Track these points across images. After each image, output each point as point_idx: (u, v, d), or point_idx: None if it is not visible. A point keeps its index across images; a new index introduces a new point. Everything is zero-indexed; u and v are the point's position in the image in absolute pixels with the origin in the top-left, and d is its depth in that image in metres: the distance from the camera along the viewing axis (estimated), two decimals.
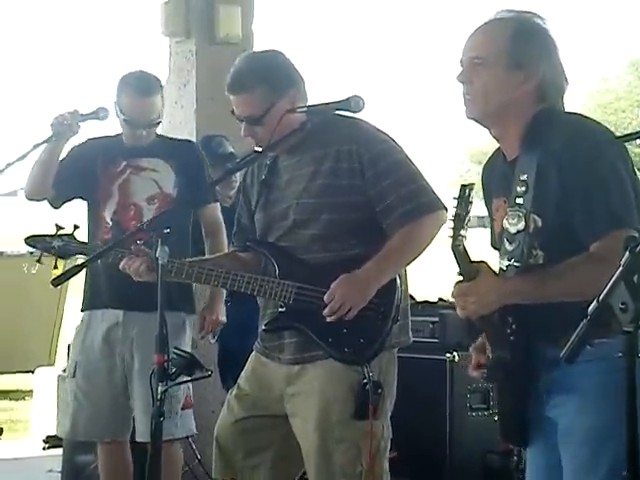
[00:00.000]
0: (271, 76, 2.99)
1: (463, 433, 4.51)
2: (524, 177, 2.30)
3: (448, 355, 4.53)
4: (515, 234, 2.30)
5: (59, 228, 3.42)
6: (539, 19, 2.41)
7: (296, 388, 3.01)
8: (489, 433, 3.92)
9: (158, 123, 3.84)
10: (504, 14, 2.41)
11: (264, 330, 3.06)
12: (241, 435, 3.07)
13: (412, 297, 5.22)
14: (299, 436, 3.01)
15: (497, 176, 2.48)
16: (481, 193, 2.58)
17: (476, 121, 2.41)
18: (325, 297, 2.93)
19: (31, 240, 3.58)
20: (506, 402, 2.40)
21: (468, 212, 2.25)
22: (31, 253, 8.78)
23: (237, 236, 3.22)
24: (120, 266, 3.05)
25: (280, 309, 3.01)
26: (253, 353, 3.15)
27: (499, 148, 2.48)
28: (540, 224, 2.29)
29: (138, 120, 3.75)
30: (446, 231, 2.28)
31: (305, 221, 2.99)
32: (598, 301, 1.76)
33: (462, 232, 2.23)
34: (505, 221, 2.33)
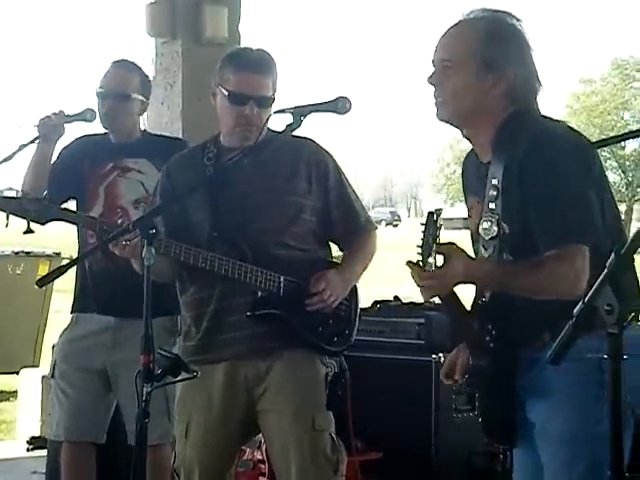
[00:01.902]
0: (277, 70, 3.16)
1: (448, 434, 4.51)
2: (495, 182, 2.30)
3: (434, 356, 4.53)
4: (489, 240, 2.31)
5: (17, 192, 3.34)
6: (513, 19, 2.37)
7: (266, 385, 3.07)
8: (474, 434, 3.92)
9: None
10: (476, 14, 2.37)
11: (248, 316, 3.05)
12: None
13: (398, 299, 5.23)
14: (274, 431, 3.07)
15: (473, 174, 2.47)
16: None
17: (447, 122, 2.40)
18: (313, 287, 3.07)
19: None
20: (490, 405, 2.41)
21: (435, 239, 2.20)
22: (16, 253, 8.77)
23: (174, 237, 3.07)
24: (117, 252, 3.02)
25: (260, 295, 3.05)
26: (180, 386, 3.11)
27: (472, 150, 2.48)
28: (507, 230, 2.29)
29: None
30: (415, 258, 2.24)
31: (286, 218, 3.09)
32: (584, 302, 1.77)
33: (429, 260, 2.19)
34: (480, 227, 2.33)
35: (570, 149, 2.27)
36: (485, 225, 2.31)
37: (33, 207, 3.26)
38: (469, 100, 2.33)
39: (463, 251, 2.26)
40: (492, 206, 2.29)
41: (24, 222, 3.28)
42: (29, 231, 3.28)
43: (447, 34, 2.37)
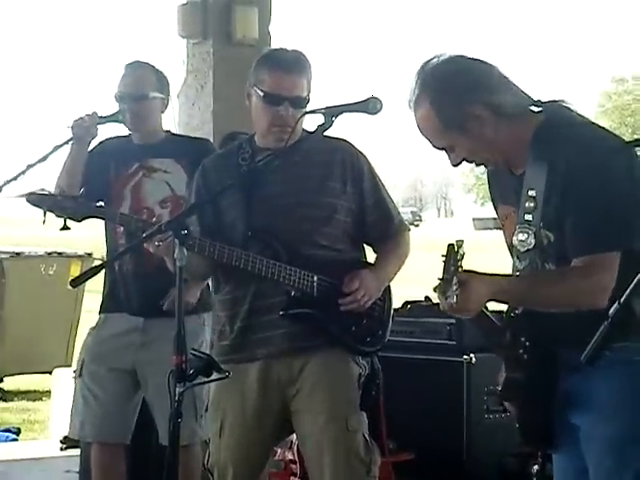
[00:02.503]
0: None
1: (480, 435, 4.50)
2: (532, 193, 2.28)
3: (465, 357, 4.52)
4: (525, 252, 2.29)
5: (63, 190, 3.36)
6: (440, 59, 2.34)
7: (299, 385, 3.08)
8: (506, 435, 3.91)
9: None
10: (415, 92, 2.33)
11: (281, 315, 3.05)
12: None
13: (429, 299, 5.22)
14: (308, 431, 3.07)
15: (503, 184, 2.46)
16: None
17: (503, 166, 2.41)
18: (346, 287, 3.08)
19: (35, 198, 3.31)
20: (528, 416, 2.37)
21: (456, 272, 2.15)
22: (49, 254, 8.85)
23: (208, 236, 3.09)
24: (152, 250, 3.02)
25: (294, 294, 3.06)
26: (213, 385, 3.12)
27: None
28: (552, 239, 2.27)
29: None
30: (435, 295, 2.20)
31: (320, 218, 3.09)
32: (619, 303, 1.75)
33: (448, 293, 2.15)
34: (515, 238, 2.31)
35: (616, 150, 2.26)
36: (521, 237, 2.29)
37: (70, 204, 3.29)
38: (484, 147, 2.33)
39: (483, 273, 2.25)
40: (528, 217, 2.28)
41: (58, 221, 3.31)
42: (65, 228, 3.32)
43: (418, 126, 2.37)
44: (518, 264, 2.33)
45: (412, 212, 56.69)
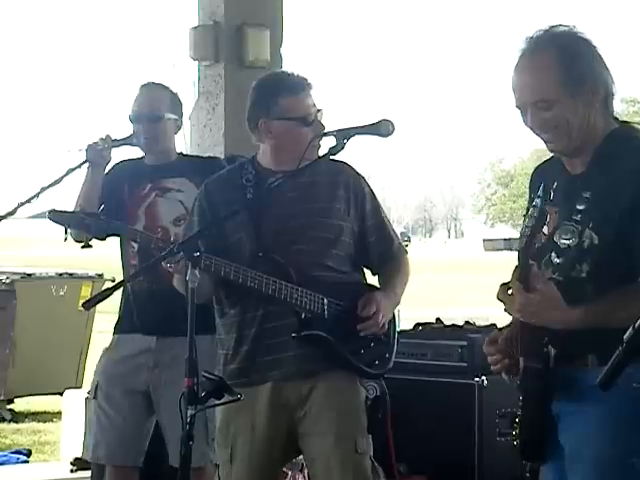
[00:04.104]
0: None
1: (492, 458, 4.47)
2: (587, 194, 2.27)
3: (477, 379, 4.50)
4: (565, 249, 2.28)
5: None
6: (573, 28, 2.34)
7: (308, 407, 3.08)
8: (519, 458, 3.89)
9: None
10: (538, 40, 2.32)
11: (293, 337, 3.05)
12: None
13: (440, 321, 5.21)
14: (317, 454, 3.08)
15: (558, 182, 2.41)
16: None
17: (560, 153, 2.38)
18: (364, 311, 3.09)
19: (56, 215, 3.29)
20: (529, 411, 2.35)
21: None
22: (59, 275, 8.85)
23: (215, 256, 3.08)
24: (170, 269, 3.05)
25: (305, 316, 3.06)
26: (220, 409, 3.10)
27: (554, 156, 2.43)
28: (597, 241, 2.25)
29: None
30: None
31: (328, 240, 3.11)
32: (634, 328, 1.74)
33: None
34: (556, 234, 2.30)
35: None
36: (564, 235, 2.28)
37: (91, 222, 3.30)
38: (579, 124, 2.31)
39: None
40: (577, 217, 2.27)
41: (70, 245, 3.32)
42: (87, 245, 3.33)
43: (522, 73, 2.32)
44: (555, 259, 2.29)
45: (401, 233, 56.79)
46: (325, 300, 3.09)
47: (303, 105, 3.14)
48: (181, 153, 3.95)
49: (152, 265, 3.01)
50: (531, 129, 2.34)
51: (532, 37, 2.34)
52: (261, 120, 3.16)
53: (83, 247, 3.33)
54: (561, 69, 2.28)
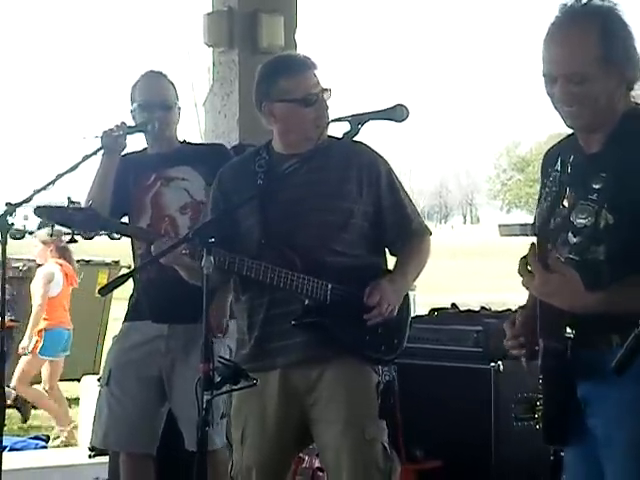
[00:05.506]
0: None
1: (508, 443, 4.47)
2: (603, 174, 2.25)
3: (492, 364, 4.50)
4: (582, 228, 2.26)
5: (71, 202, 3.29)
6: (614, 5, 2.30)
7: (317, 394, 3.07)
8: (535, 443, 3.89)
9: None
10: (579, 12, 2.27)
11: (293, 325, 3.05)
12: None
13: (455, 306, 5.20)
14: (326, 441, 3.07)
15: (575, 162, 2.37)
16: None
17: (579, 130, 2.35)
18: (368, 300, 3.04)
19: (43, 211, 3.26)
20: (551, 391, 2.32)
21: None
22: (76, 261, 8.88)
23: (225, 245, 3.05)
24: (163, 261, 3.05)
25: (307, 304, 3.05)
26: (235, 395, 3.10)
27: (572, 135, 2.40)
28: (612, 221, 2.24)
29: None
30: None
31: (336, 224, 3.09)
32: None
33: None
34: (572, 213, 2.28)
35: None
36: (580, 214, 2.26)
37: (79, 217, 3.28)
38: (603, 103, 2.28)
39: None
40: (594, 197, 2.25)
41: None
42: (72, 240, 3.32)
43: (560, 43, 2.28)
44: (572, 238, 2.28)
45: None
46: (329, 286, 3.05)
47: (303, 85, 3.10)
48: (184, 141, 3.96)
49: (164, 253, 3.01)
50: (552, 100, 2.31)
51: (571, 7, 2.29)
52: (264, 103, 3.16)
53: (68, 242, 3.33)
54: (601, 46, 2.25)
